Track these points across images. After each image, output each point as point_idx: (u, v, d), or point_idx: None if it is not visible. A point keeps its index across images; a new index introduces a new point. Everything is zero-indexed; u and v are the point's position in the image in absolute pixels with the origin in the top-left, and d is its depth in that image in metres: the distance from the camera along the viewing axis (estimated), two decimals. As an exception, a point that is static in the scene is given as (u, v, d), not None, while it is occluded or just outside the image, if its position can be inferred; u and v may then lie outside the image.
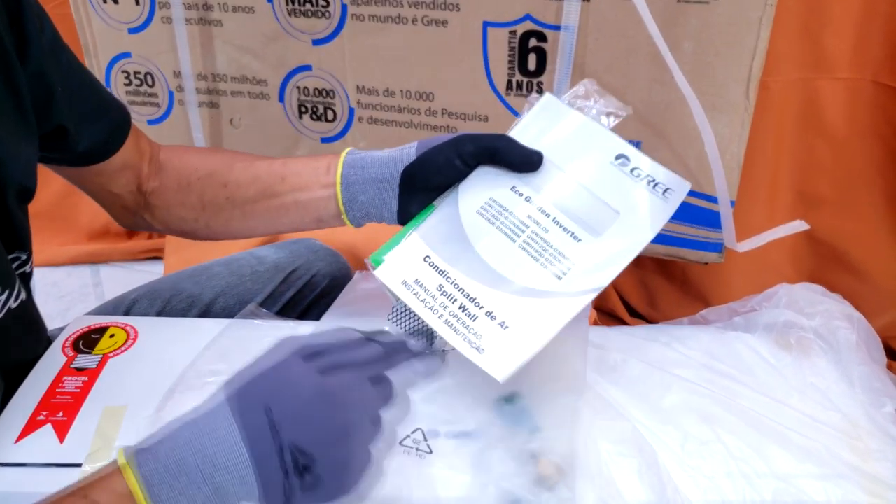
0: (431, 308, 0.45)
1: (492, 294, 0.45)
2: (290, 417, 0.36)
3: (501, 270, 0.46)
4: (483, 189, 0.49)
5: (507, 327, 0.44)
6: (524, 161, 0.48)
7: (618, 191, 0.48)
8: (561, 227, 0.47)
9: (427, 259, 0.47)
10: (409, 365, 0.44)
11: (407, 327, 0.49)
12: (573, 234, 0.47)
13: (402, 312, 0.49)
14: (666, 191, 0.48)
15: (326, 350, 0.39)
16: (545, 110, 0.51)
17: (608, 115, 0.50)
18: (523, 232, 0.47)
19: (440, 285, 0.45)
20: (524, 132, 0.50)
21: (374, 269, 0.48)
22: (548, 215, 0.47)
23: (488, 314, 0.44)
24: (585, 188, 0.48)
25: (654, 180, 0.48)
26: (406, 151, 0.51)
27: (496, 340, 0.44)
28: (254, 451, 0.35)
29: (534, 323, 0.44)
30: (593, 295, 0.45)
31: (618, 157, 0.49)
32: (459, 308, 0.44)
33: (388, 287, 0.47)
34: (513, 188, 0.48)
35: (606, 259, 0.46)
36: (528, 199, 0.48)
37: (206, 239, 0.62)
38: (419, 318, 0.47)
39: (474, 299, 0.44)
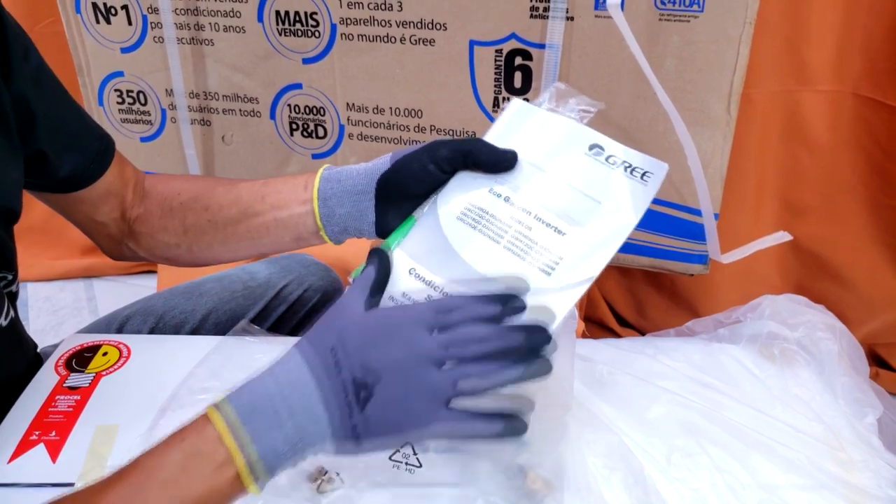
0: None
1: None
2: (350, 352, 0.39)
3: (489, 274, 0.45)
4: (461, 195, 0.48)
5: None
6: (498, 160, 0.48)
7: (595, 180, 0.47)
8: (543, 223, 0.46)
9: (413, 271, 0.46)
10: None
11: None
12: (556, 228, 0.46)
13: None
14: (644, 174, 0.47)
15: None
16: (515, 114, 0.51)
17: (581, 112, 0.50)
18: (506, 233, 0.46)
19: (429, 297, 0.45)
20: (496, 137, 0.50)
21: None
22: (529, 213, 0.46)
23: None
24: (563, 182, 0.47)
25: (630, 165, 0.47)
26: (381, 161, 0.51)
27: None
28: (322, 390, 0.38)
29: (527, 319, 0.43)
30: (586, 286, 0.44)
31: (591, 147, 0.48)
32: None
33: None
34: (490, 190, 0.48)
35: (593, 249, 0.45)
36: (507, 199, 0.47)
37: (188, 265, 0.62)
38: None
39: None
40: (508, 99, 0.78)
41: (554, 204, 0.47)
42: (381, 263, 0.44)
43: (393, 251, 0.47)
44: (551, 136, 0.49)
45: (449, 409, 0.38)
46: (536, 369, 0.39)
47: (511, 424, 0.39)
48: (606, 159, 0.48)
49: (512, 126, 0.50)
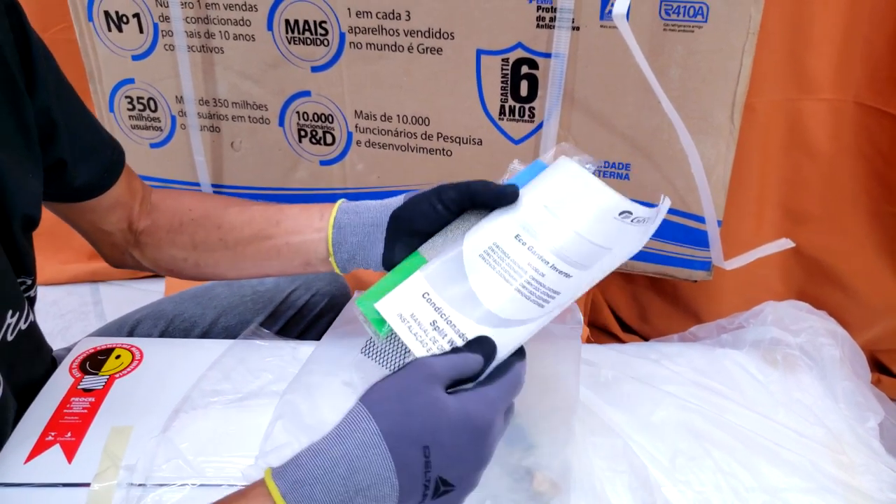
0: (422, 341, 0.46)
1: (480, 330, 0.46)
2: (445, 457, 0.38)
3: (494, 309, 0.47)
4: (488, 235, 0.50)
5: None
6: (499, 196, 0.50)
7: (614, 236, 0.49)
8: (557, 270, 0.48)
9: (426, 296, 0.48)
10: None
11: (383, 363, 0.50)
12: (566, 273, 0.48)
13: (380, 348, 0.50)
14: (647, 220, 0.50)
15: (460, 382, 0.42)
16: (561, 170, 0.53)
17: (585, 164, 0.54)
18: (521, 276, 0.48)
19: (434, 321, 0.46)
20: (539, 188, 0.52)
21: (360, 311, 0.49)
22: (546, 262, 0.49)
23: None
24: (587, 240, 0.50)
25: (643, 220, 0.50)
26: (395, 199, 0.54)
27: None
28: (403, 485, 0.38)
29: (508, 343, 0.45)
30: (558, 311, 0.46)
31: (621, 213, 0.51)
32: (448, 343, 0.45)
33: (366, 322, 0.49)
34: (517, 237, 0.50)
35: (587, 280, 0.47)
36: (530, 248, 0.49)
37: (193, 279, 0.63)
38: (397, 356, 0.49)
39: (463, 335, 0.45)
40: (529, 114, 0.80)
41: (572, 256, 0.49)
42: (462, 359, 0.43)
43: (411, 277, 0.49)
44: (589, 201, 0.52)
45: None
46: None
47: None
48: (632, 221, 0.50)
49: (556, 181, 0.53)
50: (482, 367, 0.42)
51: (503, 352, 0.44)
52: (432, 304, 0.47)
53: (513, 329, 0.45)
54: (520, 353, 0.44)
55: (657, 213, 0.49)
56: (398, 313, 0.47)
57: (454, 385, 0.41)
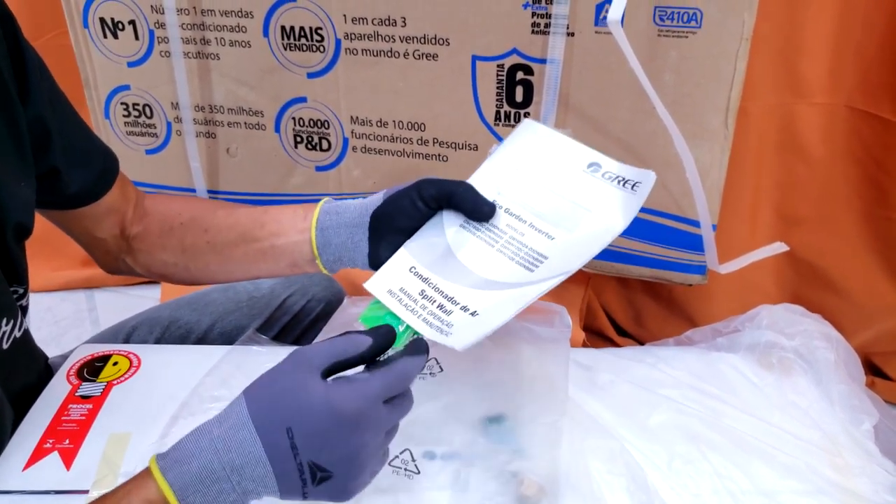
0: (412, 310, 0.47)
1: (467, 292, 0.47)
2: (309, 441, 0.39)
3: (479, 272, 0.48)
4: None
5: (476, 314, 0.46)
6: (476, 209, 0.50)
7: (590, 193, 0.50)
8: (536, 229, 0.50)
9: (412, 269, 0.49)
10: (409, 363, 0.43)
11: None
12: (547, 234, 0.50)
13: None
14: (634, 185, 0.50)
15: (341, 365, 0.42)
16: (525, 131, 0.55)
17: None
18: (501, 238, 0.50)
19: (422, 290, 0.48)
20: (506, 151, 0.54)
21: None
22: (524, 221, 0.50)
23: (463, 308, 0.47)
24: (559, 195, 0.51)
25: (623, 179, 0.50)
26: (376, 197, 0.54)
27: (464, 324, 0.46)
28: (276, 467, 0.39)
29: (499, 306, 0.46)
30: (560, 278, 0.47)
31: (590, 164, 0.52)
32: (438, 307, 0.47)
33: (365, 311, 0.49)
34: (493, 202, 0.51)
35: (577, 248, 0.48)
36: (507, 210, 0.51)
37: (183, 283, 0.63)
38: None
39: (452, 298, 0.47)
40: (511, 114, 0.80)
41: (549, 214, 0.50)
42: (344, 341, 0.42)
43: (395, 256, 0.50)
44: (555, 154, 0.53)
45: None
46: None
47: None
48: (602, 175, 0.51)
49: (521, 142, 0.54)
50: (369, 351, 0.42)
51: (495, 314, 0.45)
52: (419, 275, 0.49)
53: (502, 291, 0.47)
54: (418, 349, 0.43)
55: (638, 176, 0.50)
56: (387, 289, 0.49)
57: (338, 370, 0.42)
